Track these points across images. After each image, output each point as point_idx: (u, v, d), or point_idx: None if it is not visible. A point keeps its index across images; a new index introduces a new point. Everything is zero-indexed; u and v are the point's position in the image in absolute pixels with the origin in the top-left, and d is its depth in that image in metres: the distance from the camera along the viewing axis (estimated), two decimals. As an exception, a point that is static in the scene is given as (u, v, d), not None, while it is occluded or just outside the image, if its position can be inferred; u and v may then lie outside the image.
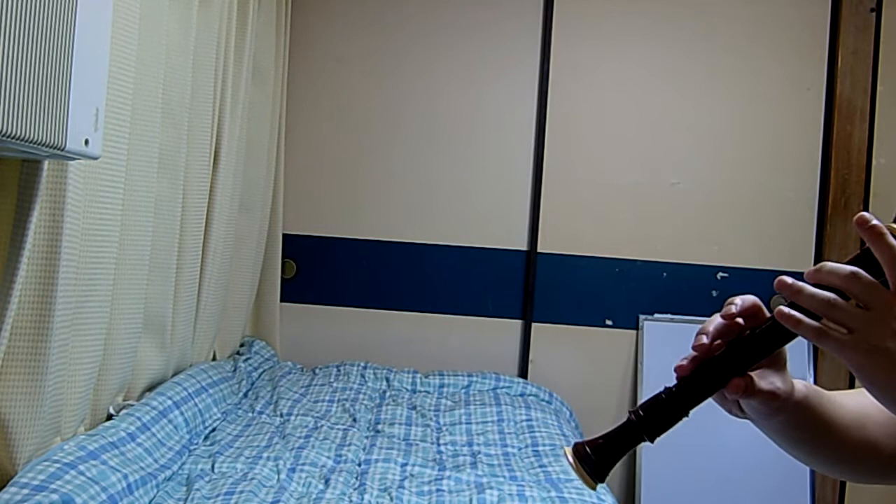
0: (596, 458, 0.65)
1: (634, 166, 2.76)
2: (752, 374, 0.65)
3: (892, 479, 0.77)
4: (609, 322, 2.77)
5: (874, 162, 2.69)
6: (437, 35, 2.78)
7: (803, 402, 0.69)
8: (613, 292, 2.76)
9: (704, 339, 0.65)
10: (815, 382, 2.61)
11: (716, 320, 0.66)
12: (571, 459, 0.65)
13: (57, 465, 1.28)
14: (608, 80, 2.77)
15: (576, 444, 0.66)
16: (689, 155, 2.77)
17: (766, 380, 0.65)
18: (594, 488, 0.66)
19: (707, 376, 0.65)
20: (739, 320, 0.65)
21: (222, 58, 2.04)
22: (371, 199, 2.79)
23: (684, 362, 0.66)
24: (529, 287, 2.76)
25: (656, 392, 0.67)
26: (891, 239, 0.57)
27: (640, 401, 2.76)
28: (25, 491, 1.20)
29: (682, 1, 2.76)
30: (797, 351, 2.59)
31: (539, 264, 2.76)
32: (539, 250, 2.76)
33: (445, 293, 2.78)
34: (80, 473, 1.30)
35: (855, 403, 0.74)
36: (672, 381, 0.67)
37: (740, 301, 0.65)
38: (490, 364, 2.71)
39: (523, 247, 2.78)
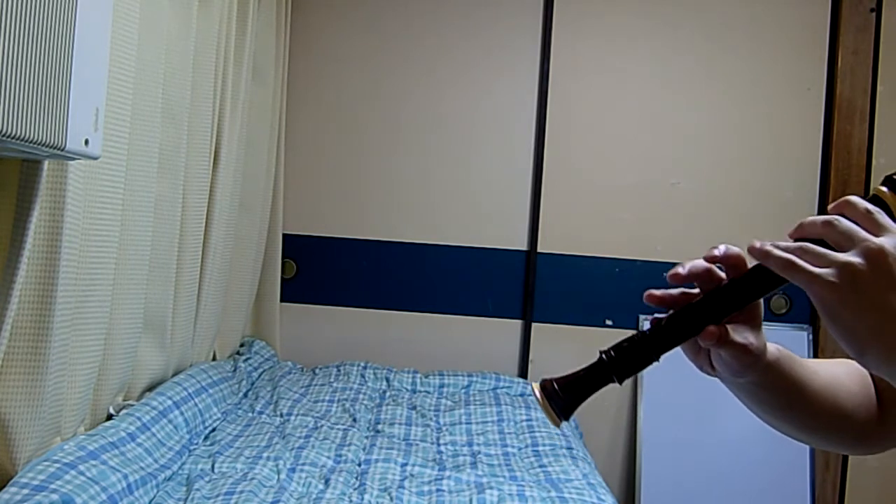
0: (563, 396, 0.65)
1: (634, 166, 2.76)
2: (728, 326, 0.64)
3: (860, 449, 0.77)
4: (609, 322, 2.76)
5: (874, 162, 2.69)
6: (437, 35, 2.78)
7: (775, 363, 0.69)
8: (613, 292, 2.76)
9: (680, 270, 0.64)
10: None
11: (696, 261, 0.65)
12: (539, 395, 0.65)
13: (57, 465, 1.28)
14: (608, 81, 2.78)
15: (543, 381, 0.66)
16: (689, 155, 2.77)
17: (740, 334, 0.65)
18: (558, 425, 0.66)
19: (682, 322, 0.64)
20: (721, 273, 0.65)
21: (222, 58, 2.04)
22: (371, 199, 2.79)
23: (656, 292, 0.65)
24: (529, 287, 2.76)
25: (630, 335, 0.66)
26: (854, 198, 0.59)
27: (641, 400, 2.77)
28: (25, 491, 1.20)
29: (682, 1, 2.76)
30: (797, 346, 2.59)
31: (539, 264, 2.76)
32: (539, 250, 2.76)
33: (445, 293, 2.78)
34: (80, 473, 1.30)
35: (827, 372, 0.74)
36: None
37: (724, 247, 0.65)
38: (490, 364, 2.71)
39: (523, 247, 2.78)
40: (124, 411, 1.62)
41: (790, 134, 2.75)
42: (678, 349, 0.66)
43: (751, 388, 0.70)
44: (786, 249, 0.59)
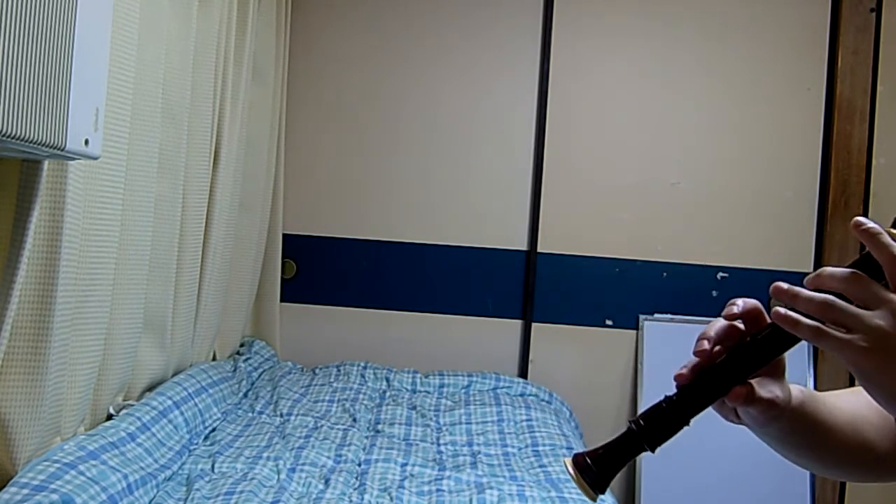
0: (597, 469, 0.65)
1: (634, 166, 2.76)
2: (752, 381, 0.64)
3: (884, 478, 0.77)
4: (609, 322, 2.76)
5: (874, 162, 2.69)
6: (437, 35, 2.78)
7: (799, 408, 0.69)
8: (613, 292, 2.76)
9: (706, 345, 0.64)
10: (815, 385, 2.61)
11: (717, 324, 0.65)
12: (572, 471, 0.65)
13: (57, 465, 1.28)
14: (608, 80, 2.78)
15: (576, 455, 0.66)
16: (689, 155, 2.77)
17: (765, 388, 0.64)
18: (594, 500, 0.65)
19: (708, 384, 0.64)
20: (741, 325, 0.65)
21: (222, 58, 2.03)
22: (371, 199, 2.79)
23: (684, 370, 0.65)
24: (529, 287, 2.76)
25: (657, 401, 0.66)
26: (887, 238, 0.57)
27: (641, 401, 2.77)
28: (25, 491, 1.20)
29: (682, 1, 2.76)
30: (797, 354, 2.58)
31: (539, 264, 2.76)
32: (539, 250, 2.76)
33: (445, 293, 2.78)
34: (80, 473, 1.30)
35: (849, 405, 0.74)
36: (671, 385, 0.66)
37: (742, 303, 0.65)
38: (490, 364, 2.71)
39: (523, 247, 2.78)
40: (124, 411, 1.62)
41: (790, 134, 2.75)
42: None
43: (777, 435, 0.70)
44: (808, 301, 0.58)
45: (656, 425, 0.65)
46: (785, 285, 0.60)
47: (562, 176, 2.77)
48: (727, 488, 2.61)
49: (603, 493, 0.65)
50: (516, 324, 2.78)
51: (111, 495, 1.32)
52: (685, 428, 0.65)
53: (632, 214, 2.76)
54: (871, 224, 0.58)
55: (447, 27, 2.78)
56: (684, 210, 2.76)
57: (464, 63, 2.78)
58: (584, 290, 2.77)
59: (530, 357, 2.76)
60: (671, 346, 2.68)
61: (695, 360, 0.65)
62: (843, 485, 2.69)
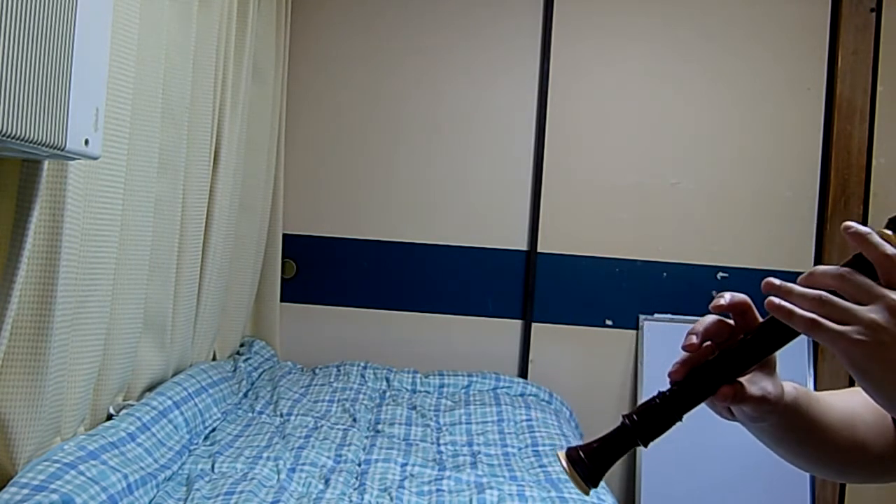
0: (590, 463, 0.65)
1: (634, 166, 2.76)
2: (742, 379, 0.64)
3: (880, 479, 0.77)
4: (609, 322, 2.76)
5: (874, 162, 2.69)
6: (438, 35, 2.78)
7: (792, 404, 0.69)
8: (613, 292, 2.76)
9: (694, 339, 0.65)
10: (815, 384, 2.61)
11: (706, 319, 0.66)
12: (565, 464, 0.65)
13: (57, 465, 1.28)
14: (608, 81, 2.78)
15: (569, 449, 0.66)
16: (689, 155, 2.77)
17: (756, 385, 0.65)
18: (587, 493, 0.66)
19: (699, 382, 0.65)
20: (730, 322, 0.66)
21: (222, 58, 2.04)
22: (371, 198, 2.79)
23: (677, 366, 0.66)
24: (529, 287, 2.76)
25: (650, 396, 0.67)
26: (877, 237, 0.58)
27: (640, 401, 2.76)
28: (25, 491, 1.20)
29: (682, 1, 2.76)
30: (797, 352, 2.59)
31: (539, 264, 2.76)
32: (539, 250, 2.76)
33: (445, 293, 2.78)
34: (80, 473, 1.30)
35: (844, 404, 0.74)
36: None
37: (729, 296, 0.66)
38: (490, 364, 2.71)
39: (523, 247, 2.78)
40: (124, 411, 1.62)
41: (790, 134, 2.75)
42: None
43: (769, 430, 0.70)
44: (802, 297, 0.58)
45: (649, 420, 0.65)
46: (777, 281, 0.60)
47: (562, 176, 2.77)
48: (727, 488, 2.61)
49: (596, 486, 0.65)
50: (516, 324, 2.78)
51: (111, 495, 1.32)
52: (678, 424, 0.66)
53: (632, 214, 2.76)
54: (860, 227, 0.59)
55: (447, 27, 2.78)
56: (684, 210, 2.76)
57: (464, 63, 2.78)
58: (584, 290, 2.77)
59: (530, 357, 2.76)
60: (671, 346, 2.67)
61: (687, 355, 0.66)
62: (843, 485, 2.69)
